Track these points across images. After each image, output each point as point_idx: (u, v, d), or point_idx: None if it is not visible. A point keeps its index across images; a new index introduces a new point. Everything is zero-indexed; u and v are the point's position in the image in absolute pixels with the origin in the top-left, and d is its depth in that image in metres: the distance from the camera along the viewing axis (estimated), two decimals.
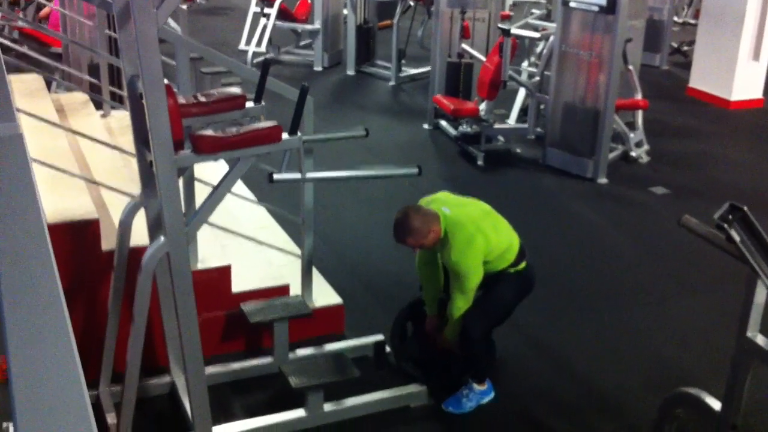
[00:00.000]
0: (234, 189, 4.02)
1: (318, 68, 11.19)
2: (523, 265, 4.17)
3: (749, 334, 2.97)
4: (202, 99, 3.74)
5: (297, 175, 3.75)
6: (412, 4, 11.28)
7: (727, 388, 3.06)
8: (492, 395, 4.28)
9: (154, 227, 3.68)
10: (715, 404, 3.11)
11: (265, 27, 10.94)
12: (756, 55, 9.73)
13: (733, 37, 9.66)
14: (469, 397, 4.21)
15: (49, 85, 6.56)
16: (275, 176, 3.62)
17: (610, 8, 7.00)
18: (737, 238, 2.75)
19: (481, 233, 3.97)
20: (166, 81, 3.20)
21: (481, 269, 3.99)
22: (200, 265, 4.43)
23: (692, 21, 13.03)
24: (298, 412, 4.01)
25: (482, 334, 4.12)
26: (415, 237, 3.93)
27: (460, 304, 4.02)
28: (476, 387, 4.22)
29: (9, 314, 1.09)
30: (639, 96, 7.97)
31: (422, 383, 4.28)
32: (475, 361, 4.25)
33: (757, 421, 4.12)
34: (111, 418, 3.89)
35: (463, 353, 4.21)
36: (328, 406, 4.05)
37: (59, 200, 4.19)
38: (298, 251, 4.89)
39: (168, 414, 4.12)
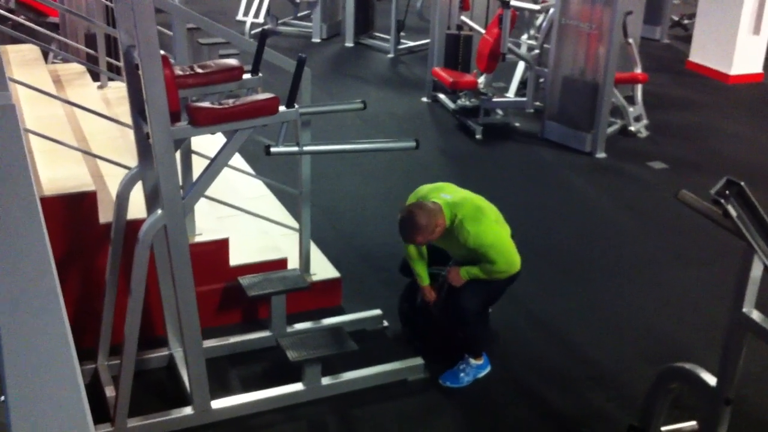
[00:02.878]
0: (231, 161, 4.00)
1: (316, 40, 11.13)
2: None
3: (744, 309, 2.97)
4: (199, 70, 3.72)
5: (294, 148, 3.74)
6: None
7: (721, 363, 3.07)
8: (488, 369, 4.31)
9: (152, 199, 3.68)
10: (710, 379, 3.12)
11: None
12: (756, 30, 9.68)
13: (733, 11, 9.61)
14: (466, 371, 4.24)
15: (46, 55, 6.52)
16: (272, 149, 3.60)
17: None
18: (734, 213, 2.74)
19: (487, 204, 4.10)
20: (162, 52, 3.17)
21: (502, 229, 4.07)
22: (198, 238, 4.42)
23: None
24: (296, 386, 4.02)
25: (478, 310, 4.15)
26: (423, 234, 3.94)
27: (501, 269, 4.05)
28: (473, 361, 4.25)
29: (0, 286, 1.08)
30: (638, 69, 7.94)
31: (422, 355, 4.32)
32: (471, 336, 4.27)
33: (750, 393, 4.14)
34: (109, 391, 3.90)
35: (459, 328, 4.23)
36: (325, 380, 4.06)
37: (56, 172, 4.18)
38: (295, 224, 4.89)
39: (166, 386, 4.14)
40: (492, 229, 4.03)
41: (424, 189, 4.18)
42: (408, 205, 4.02)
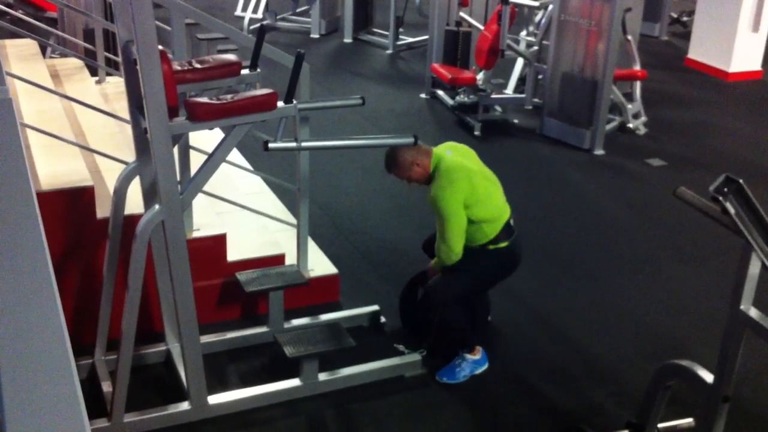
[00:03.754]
0: (229, 157, 4.00)
1: (315, 35, 11.12)
2: (504, 244, 4.15)
3: (743, 306, 2.97)
4: (198, 65, 3.71)
5: (293, 144, 3.73)
6: None
7: (719, 361, 3.07)
8: (486, 365, 4.30)
9: (149, 195, 3.67)
10: (708, 376, 3.12)
11: None
12: (755, 27, 9.68)
13: (732, 8, 9.60)
14: (462, 366, 4.23)
15: (44, 50, 6.51)
16: (271, 144, 3.59)
17: None
18: (732, 210, 2.74)
19: (468, 181, 4.00)
20: (160, 47, 3.17)
21: (463, 215, 3.98)
22: (195, 233, 4.42)
23: None
24: (293, 382, 4.02)
25: (447, 302, 4.11)
26: (400, 168, 4.10)
27: (442, 247, 4.07)
28: (468, 356, 4.24)
29: None
30: (637, 66, 7.93)
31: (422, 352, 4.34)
32: (447, 328, 4.26)
33: (748, 390, 4.14)
34: (107, 386, 3.90)
35: (431, 313, 4.29)
36: (323, 376, 4.06)
37: (54, 166, 4.17)
38: (293, 220, 4.89)
39: (163, 381, 4.14)
40: (450, 202, 3.96)
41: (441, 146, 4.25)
42: None
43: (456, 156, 4.12)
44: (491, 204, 4.10)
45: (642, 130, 7.93)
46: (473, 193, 4.00)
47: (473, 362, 4.25)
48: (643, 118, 8.02)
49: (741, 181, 2.72)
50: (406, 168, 4.07)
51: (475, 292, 4.33)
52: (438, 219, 4.03)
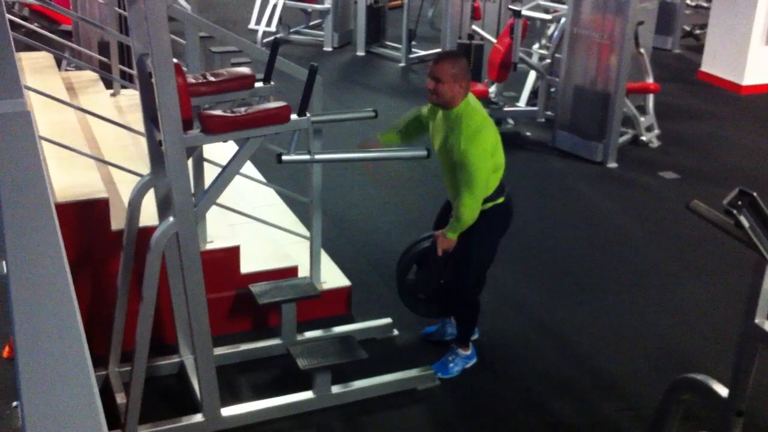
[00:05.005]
0: (242, 169, 4.02)
1: (328, 48, 11.16)
2: (501, 199, 4.11)
3: (756, 320, 2.96)
4: (212, 78, 3.73)
5: (305, 156, 3.74)
6: None
7: (733, 375, 3.05)
8: (475, 360, 4.40)
9: (164, 207, 3.69)
10: (722, 390, 3.11)
11: (275, 6, 10.89)
12: None
13: (745, 21, 9.59)
14: (455, 361, 4.33)
15: (59, 62, 6.56)
16: (284, 157, 3.61)
17: None
18: (746, 223, 2.73)
19: (492, 128, 3.97)
20: (175, 60, 3.19)
21: (489, 165, 3.93)
22: (209, 245, 4.44)
23: (705, 4, 12.95)
24: (306, 394, 4.02)
25: (474, 280, 4.21)
26: (452, 67, 3.90)
27: (468, 201, 3.91)
28: (460, 351, 4.34)
29: (15, 293, 1.09)
30: (650, 79, 7.92)
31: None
32: (462, 320, 4.37)
33: (762, 405, 4.12)
34: (120, 398, 3.91)
35: (454, 303, 4.34)
36: (335, 388, 4.06)
37: (69, 178, 4.20)
38: (306, 232, 4.90)
39: (177, 393, 4.14)
40: (482, 154, 3.88)
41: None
42: None
43: (478, 105, 4.06)
44: (501, 152, 4.10)
45: (655, 143, 7.92)
46: (495, 143, 3.99)
47: (465, 357, 4.36)
48: (656, 131, 8.00)
49: (755, 194, 2.71)
50: (454, 76, 3.89)
51: (489, 263, 4.28)
52: (462, 171, 3.89)
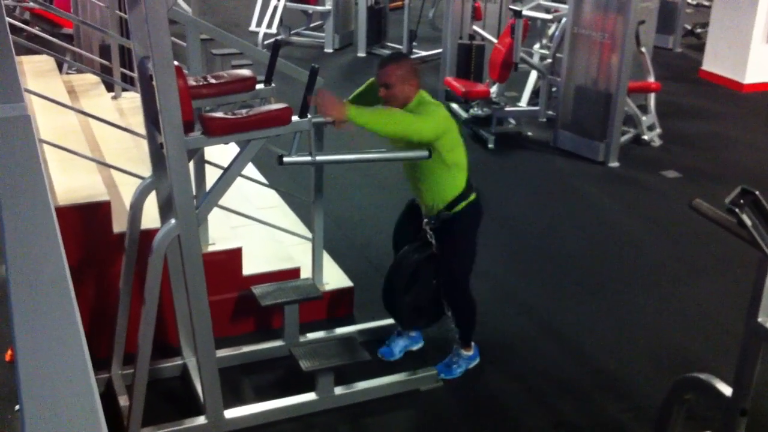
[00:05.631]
0: (244, 171, 4.02)
1: (329, 50, 11.16)
2: (473, 196, 4.07)
3: (760, 319, 2.95)
4: (213, 80, 3.73)
5: (307, 158, 3.74)
6: None
7: (736, 374, 3.05)
8: (478, 360, 4.38)
9: (165, 209, 3.69)
10: (725, 389, 3.10)
11: (275, 8, 10.91)
12: None
13: (747, 20, 9.58)
14: (458, 363, 4.32)
15: (60, 66, 6.56)
16: (285, 158, 3.61)
17: None
18: (749, 222, 2.73)
19: (452, 119, 3.90)
20: (176, 62, 3.19)
21: (440, 131, 3.79)
22: (211, 247, 4.44)
23: (706, 3, 12.96)
24: (309, 395, 4.02)
25: (464, 285, 4.17)
26: (398, 69, 3.83)
27: (400, 119, 3.71)
28: (463, 352, 4.33)
29: (15, 297, 1.09)
30: (651, 78, 7.92)
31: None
32: (461, 321, 4.30)
33: (766, 403, 4.11)
34: (123, 401, 3.91)
35: (452, 311, 4.27)
36: (338, 390, 4.06)
37: (71, 182, 4.20)
38: (308, 233, 4.90)
39: (179, 396, 4.14)
40: (436, 114, 3.80)
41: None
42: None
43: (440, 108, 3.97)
44: (463, 149, 4.02)
45: (657, 142, 7.92)
46: (454, 131, 3.90)
47: (468, 358, 4.35)
48: (658, 130, 8.00)
49: (757, 192, 2.71)
50: (402, 77, 3.82)
51: (473, 259, 4.21)
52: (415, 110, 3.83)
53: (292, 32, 11.46)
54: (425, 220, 4.13)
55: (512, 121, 8.16)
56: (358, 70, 10.46)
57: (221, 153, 5.14)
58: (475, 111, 8.17)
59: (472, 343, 4.38)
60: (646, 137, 7.86)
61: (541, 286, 5.28)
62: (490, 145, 7.68)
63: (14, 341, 1.02)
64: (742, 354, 3.04)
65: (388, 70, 3.86)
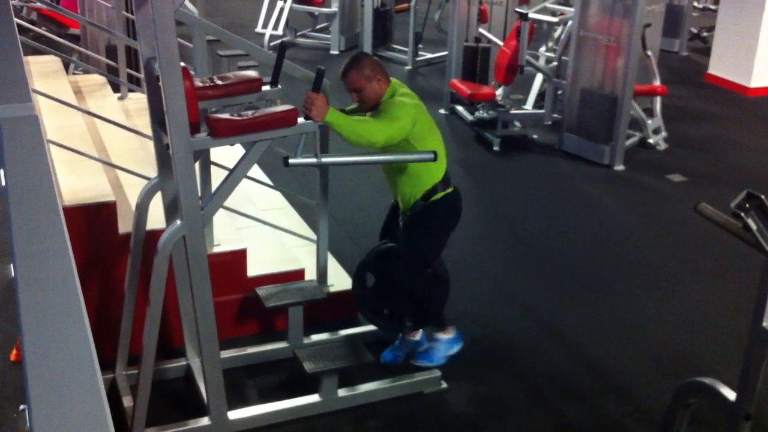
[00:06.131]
0: (250, 173, 4.02)
1: (334, 52, 11.16)
2: (450, 189, 3.99)
3: (765, 323, 2.95)
4: (219, 82, 3.74)
5: (312, 159, 3.74)
6: None
7: (741, 378, 3.04)
8: (460, 345, 4.24)
9: (171, 210, 3.70)
10: (729, 394, 3.10)
11: (282, 10, 10.91)
12: None
13: (753, 24, 9.56)
14: (438, 347, 4.18)
15: (67, 66, 6.58)
16: (291, 160, 3.61)
17: None
18: (754, 226, 2.73)
19: (425, 111, 3.85)
20: (182, 63, 3.20)
21: (406, 130, 3.72)
22: (216, 249, 4.44)
23: (712, 6, 12.93)
24: (313, 397, 4.02)
25: (416, 275, 4.01)
26: (360, 73, 3.80)
27: (373, 127, 3.68)
28: (441, 336, 4.17)
29: (23, 295, 1.10)
30: (657, 82, 7.91)
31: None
32: (420, 304, 4.13)
33: None
34: (127, 401, 3.92)
35: (405, 299, 4.11)
36: (342, 392, 4.06)
37: (77, 182, 4.21)
38: (313, 235, 4.90)
39: (184, 397, 4.15)
40: (404, 109, 3.73)
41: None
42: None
43: (410, 95, 3.91)
44: (439, 139, 3.94)
45: (662, 146, 7.91)
46: (428, 122, 3.86)
47: (447, 342, 4.20)
48: (664, 134, 7.99)
49: (762, 197, 2.71)
50: (366, 77, 3.79)
51: (437, 256, 4.12)
52: (379, 112, 3.77)
53: (298, 34, 11.46)
54: (401, 217, 4.08)
55: (517, 123, 8.16)
56: None
57: (227, 154, 5.15)
58: (481, 114, 8.17)
59: (452, 327, 4.22)
60: (651, 141, 7.86)
61: (545, 288, 5.28)
62: (496, 148, 7.67)
63: (22, 340, 1.02)
64: (747, 358, 3.03)
65: (351, 77, 3.84)
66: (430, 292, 4.15)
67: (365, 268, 4.28)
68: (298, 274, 4.68)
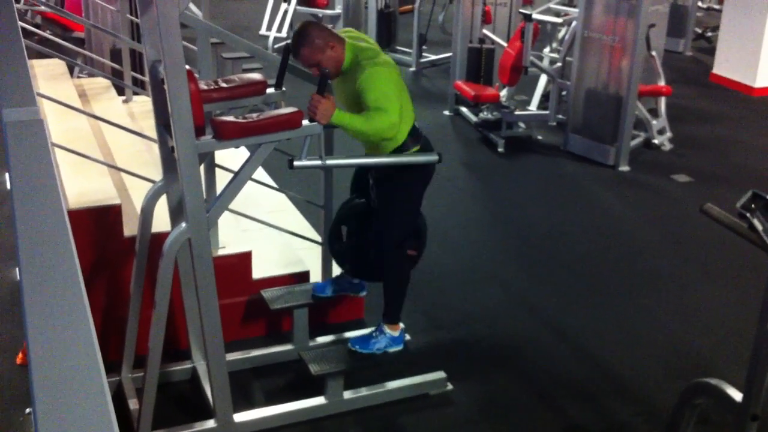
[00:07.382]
0: (254, 175, 4.02)
1: None
2: (415, 148, 3.86)
3: None
4: (224, 84, 3.74)
5: (317, 162, 3.74)
6: None
7: (748, 379, 3.03)
8: (401, 347, 4.11)
9: (176, 213, 3.70)
10: (736, 395, 3.09)
11: (286, 12, 10.93)
12: None
13: (757, 23, 9.55)
14: (378, 338, 4.05)
15: (71, 70, 6.59)
16: (296, 162, 3.61)
17: None
18: (760, 227, 2.72)
19: (397, 69, 3.72)
20: (187, 66, 3.20)
21: (398, 103, 3.63)
22: (221, 251, 4.44)
23: (716, 6, 12.91)
24: (318, 400, 4.02)
25: (397, 238, 3.92)
26: (311, 47, 3.61)
27: (385, 119, 3.59)
28: (387, 330, 4.07)
29: (29, 299, 1.10)
30: (662, 82, 7.90)
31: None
32: (392, 279, 4.04)
33: None
34: (133, 404, 3.92)
35: (379, 264, 4.03)
36: (347, 394, 4.06)
37: (82, 185, 4.22)
38: (318, 237, 4.90)
39: (189, 399, 4.15)
40: (391, 80, 3.63)
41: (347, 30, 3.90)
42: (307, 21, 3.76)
43: (368, 45, 3.78)
44: (407, 96, 3.85)
45: (667, 146, 7.89)
46: (400, 85, 3.74)
47: (391, 338, 4.07)
48: (669, 134, 7.98)
49: None
50: (319, 48, 3.59)
51: (416, 215, 4.03)
52: (369, 94, 3.59)
53: None
54: (370, 174, 4.01)
55: (522, 124, 8.15)
56: None
57: (232, 157, 5.15)
58: (485, 114, 8.18)
59: (401, 325, 4.11)
60: (656, 141, 7.84)
61: (550, 289, 5.27)
62: (500, 149, 7.67)
63: (27, 343, 1.02)
64: (753, 359, 3.03)
65: (303, 54, 3.65)
66: (405, 273, 4.06)
67: (340, 223, 4.23)
68: (304, 276, 4.68)
